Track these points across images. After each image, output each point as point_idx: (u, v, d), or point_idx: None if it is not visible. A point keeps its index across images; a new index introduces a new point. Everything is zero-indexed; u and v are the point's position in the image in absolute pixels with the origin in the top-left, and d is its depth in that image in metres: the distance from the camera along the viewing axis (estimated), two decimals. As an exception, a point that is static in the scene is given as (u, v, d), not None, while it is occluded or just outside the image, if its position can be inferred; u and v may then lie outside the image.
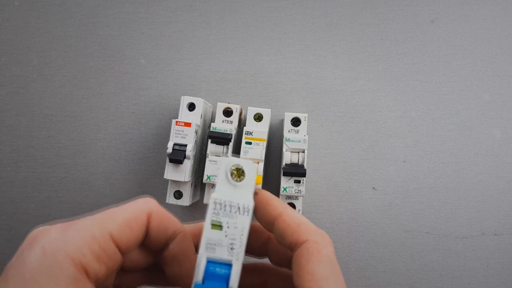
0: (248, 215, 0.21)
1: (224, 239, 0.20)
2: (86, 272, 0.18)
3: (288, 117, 0.36)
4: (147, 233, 0.22)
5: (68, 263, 0.18)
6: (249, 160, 0.24)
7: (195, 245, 0.23)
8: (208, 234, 0.20)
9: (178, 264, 0.22)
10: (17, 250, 0.20)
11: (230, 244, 0.20)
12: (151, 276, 0.24)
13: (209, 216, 0.20)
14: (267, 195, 0.23)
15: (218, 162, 0.22)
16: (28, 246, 0.19)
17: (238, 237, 0.20)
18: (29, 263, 0.18)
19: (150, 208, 0.22)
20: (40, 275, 0.17)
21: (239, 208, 0.21)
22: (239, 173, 0.23)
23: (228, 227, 0.20)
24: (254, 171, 0.23)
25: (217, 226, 0.20)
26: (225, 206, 0.21)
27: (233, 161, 0.22)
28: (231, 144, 0.35)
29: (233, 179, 0.22)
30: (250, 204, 0.21)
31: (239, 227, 0.20)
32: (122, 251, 0.20)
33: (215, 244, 0.20)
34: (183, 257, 0.22)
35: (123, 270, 0.23)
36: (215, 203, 0.21)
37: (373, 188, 0.40)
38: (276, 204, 0.22)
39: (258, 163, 0.34)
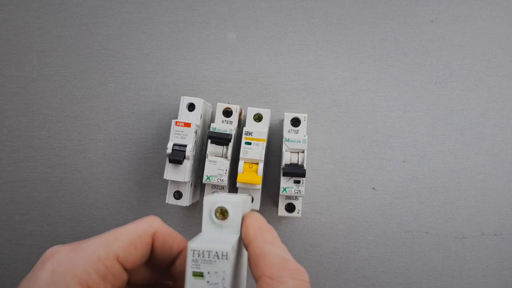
0: (226, 259, 0.20)
1: (206, 286, 0.20)
2: None
3: (287, 117, 0.36)
4: (152, 252, 0.23)
5: (75, 283, 0.19)
6: (232, 195, 0.24)
7: None
8: (190, 284, 0.20)
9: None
10: (32, 268, 0.21)
11: None
12: None
13: (189, 265, 0.20)
14: (248, 220, 0.23)
15: (204, 201, 0.22)
16: (40, 265, 0.20)
17: (220, 283, 0.20)
18: (40, 281, 0.19)
19: (154, 228, 0.22)
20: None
21: (217, 253, 0.21)
22: (222, 212, 0.23)
23: (208, 273, 0.20)
24: (239, 210, 0.23)
25: (198, 274, 0.20)
26: (203, 253, 0.21)
27: (216, 201, 0.22)
28: (230, 144, 0.35)
29: (217, 218, 0.22)
30: (228, 248, 0.21)
31: (219, 273, 0.20)
32: (128, 270, 0.21)
33: None
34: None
35: (130, 284, 0.23)
36: (192, 251, 0.21)
37: (373, 188, 0.40)
38: (250, 232, 0.22)
39: (258, 163, 0.34)
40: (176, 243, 0.23)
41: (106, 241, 0.21)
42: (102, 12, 0.41)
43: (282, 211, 0.37)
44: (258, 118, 0.36)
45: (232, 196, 0.24)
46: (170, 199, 0.36)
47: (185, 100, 0.36)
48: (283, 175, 0.34)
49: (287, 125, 0.36)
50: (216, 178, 0.34)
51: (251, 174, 0.33)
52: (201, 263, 0.21)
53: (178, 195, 0.36)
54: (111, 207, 0.41)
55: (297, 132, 0.36)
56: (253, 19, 0.41)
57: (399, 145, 0.41)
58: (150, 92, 0.41)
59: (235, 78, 0.41)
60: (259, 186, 0.34)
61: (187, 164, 0.34)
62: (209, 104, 0.40)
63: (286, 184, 0.34)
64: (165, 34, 0.41)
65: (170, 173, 0.34)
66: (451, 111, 0.41)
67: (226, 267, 0.20)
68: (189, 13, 0.41)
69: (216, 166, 0.34)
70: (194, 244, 0.21)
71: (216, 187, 0.36)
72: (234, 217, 0.23)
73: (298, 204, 0.37)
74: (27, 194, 0.41)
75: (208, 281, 0.20)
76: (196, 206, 0.41)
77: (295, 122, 0.36)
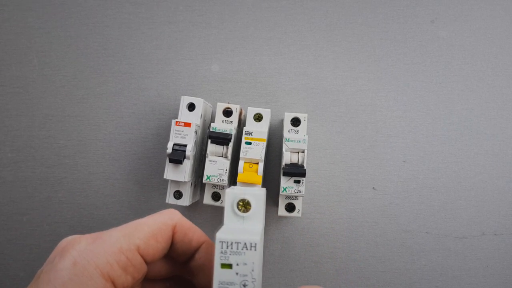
0: (255, 250, 0.21)
1: (235, 277, 0.20)
2: (114, 283, 0.19)
3: (288, 117, 0.36)
4: (172, 244, 0.22)
5: (97, 274, 0.19)
6: (254, 188, 0.24)
7: None
8: (219, 275, 0.20)
9: (206, 273, 0.23)
10: (48, 257, 0.21)
11: (242, 281, 0.20)
12: (173, 285, 0.25)
13: (217, 256, 0.20)
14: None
15: (226, 193, 0.22)
16: (60, 255, 0.20)
17: (249, 274, 0.20)
18: (61, 272, 0.19)
19: (175, 221, 0.22)
20: (71, 284, 0.18)
21: (245, 244, 0.21)
22: (245, 204, 0.23)
23: (237, 264, 0.20)
24: (261, 201, 0.23)
25: (226, 266, 0.20)
26: (231, 244, 0.21)
27: (238, 193, 0.23)
28: (231, 144, 0.35)
29: (239, 211, 0.23)
30: (256, 239, 0.21)
31: (248, 264, 0.20)
32: (148, 262, 0.21)
33: (227, 284, 0.20)
34: (210, 266, 0.23)
35: (146, 279, 0.23)
36: (221, 242, 0.21)
37: (373, 188, 0.40)
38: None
39: (258, 163, 0.34)
40: (196, 237, 0.23)
41: (128, 232, 0.20)
42: (102, 12, 0.41)
43: (282, 211, 0.37)
44: (258, 118, 0.36)
45: (252, 188, 0.24)
46: (170, 199, 0.36)
47: (185, 100, 0.36)
48: (283, 175, 0.34)
49: (287, 125, 0.36)
50: (216, 178, 0.34)
51: (251, 174, 0.33)
52: (230, 254, 0.20)
53: (178, 195, 0.36)
54: (111, 207, 0.41)
55: (297, 132, 0.36)
56: (253, 19, 0.41)
57: (399, 145, 0.41)
58: (150, 92, 0.41)
59: (235, 78, 0.41)
60: (259, 186, 0.34)
61: (187, 164, 0.34)
62: (209, 104, 0.40)
63: (286, 184, 0.34)
64: (165, 34, 0.41)
65: (170, 173, 0.34)
66: (451, 111, 0.41)
67: (255, 258, 0.20)
68: (189, 13, 0.41)
69: (216, 166, 0.34)
70: (223, 236, 0.21)
71: (216, 187, 0.36)
72: (257, 209, 0.23)
73: (298, 204, 0.37)
74: (27, 194, 0.41)
75: (237, 272, 0.20)
76: (197, 206, 0.41)
77: (295, 122, 0.36)
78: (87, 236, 0.21)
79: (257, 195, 0.23)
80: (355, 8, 0.41)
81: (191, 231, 0.23)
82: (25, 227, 0.41)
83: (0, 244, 0.40)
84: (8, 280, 0.40)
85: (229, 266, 0.20)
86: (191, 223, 0.23)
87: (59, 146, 0.41)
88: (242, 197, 0.23)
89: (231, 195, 0.23)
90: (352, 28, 0.41)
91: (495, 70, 0.41)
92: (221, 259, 0.20)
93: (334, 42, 0.41)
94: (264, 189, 0.25)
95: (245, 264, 0.20)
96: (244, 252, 0.20)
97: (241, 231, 0.22)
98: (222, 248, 0.20)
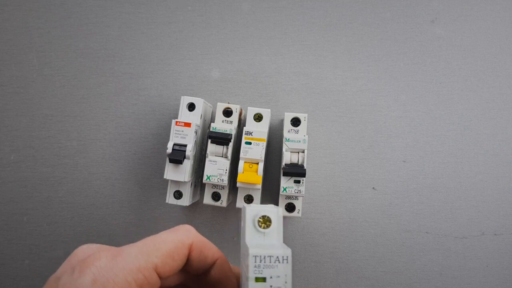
0: (287, 262, 0.22)
1: None
2: None
3: (288, 117, 0.36)
4: (187, 261, 0.23)
5: None
6: (270, 206, 0.25)
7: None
8: None
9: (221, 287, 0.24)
10: (64, 265, 0.21)
11: None
12: None
13: (251, 271, 0.21)
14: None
15: (243, 210, 0.23)
16: (79, 270, 0.20)
17: (283, 286, 0.21)
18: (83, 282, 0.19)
19: (191, 239, 0.23)
20: None
21: (278, 258, 0.22)
22: (265, 220, 0.24)
23: (271, 277, 0.21)
24: (280, 216, 0.24)
25: (260, 279, 0.22)
26: (264, 258, 0.22)
27: (259, 210, 0.24)
28: (231, 144, 0.35)
29: (260, 227, 0.24)
30: (288, 252, 0.22)
31: (281, 276, 0.21)
32: (162, 278, 0.22)
33: None
34: (225, 281, 0.24)
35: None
36: (254, 257, 0.22)
37: (373, 188, 0.40)
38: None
39: (258, 163, 0.34)
40: (211, 254, 0.24)
41: (146, 250, 0.21)
42: (102, 12, 0.41)
43: (282, 211, 0.37)
44: (258, 118, 0.36)
45: (269, 206, 0.25)
46: (170, 199, 0.36)
47: (185, 100, 0.36)
48: (283, 175, 0.34)
49: (287, 125, 0.36)
50: (216, 178, 0.34)
51: (251, 174, 0.33)
52: (263, 268, 0.22)
53: (178, 195, 0.36)
54: (111, 207, 0.41)
55: (297, 132, 0.36)
56: (253, 19, 0.41)
57: (399, 145, 0.41)
58: (150, 92, 0.41)
59: (235, 78, 0.41)
60: (259, 186, 0.34)
61: (187, 164, 0.34)
62: (209, 104, 0.40)
63: (286, 184, 0.34)
64: (165, 34, 0.41)
65: (170, 173, 0.34)
66: (451, 111, 0.41)
67: (287, 270, 0.21)
68: (189, 13, 0.41)
69: (216, 166, 0.34)
70: (256, 251, 0.22)
71: (216, 187, 0.36)
72: (276, 225, 0.24)
73: (298, 204, 0.37)
74: (27, 194, 0.41)
75: (271, 285, 0.21)
76: (197, 206, 0.41)
77: (295, 122, 0.36)
78: (106, 252, 0.21)
79: (276, 212, 0.24)
80: (355, 8, 0.41)
81: (207, 248, 0.23)
82: (25, 227, 0.41)
83: (0, 244, 0.41)
84: (8, 280, 0.40)
85: (263, 279, 0.21)
86: (206, 239, 0.24)
87: (59, 146, 0.41)
88: (263, 213, 0.24)
89: (251, 212, 0.24)
90: (352, 28, 0.41)
91: (495, 70, 0.41)
92: (255, 273, 0.21)
93: (334, 42, 0.41)
94: (281, 208, 0.27)
95: (278, 276, 0.21)
96: (277, 265, 0.22)
97: (269, 246, 0.23)
98: (255, 262, 0.22)
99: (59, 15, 0.41)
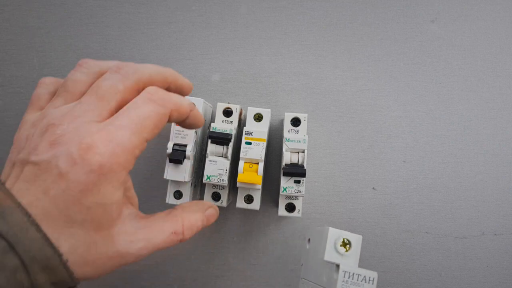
0: (373, 284, 0.24)
1: None
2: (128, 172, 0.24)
3: (288, 117, 0.36)
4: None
5: (121, 171, 0.23)
6: (352, 233, 0.27)
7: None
8: None
9: (194, 124, 0.28)
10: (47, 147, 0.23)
11: None
12: None
13: (340, 285, 0.24)
14: None
15: (325, 230, 0.27)
16: (82, 157, 0.22)
17: None
18: (90, 167, 0.21)
19: (169, 109, 0.25)
20: (102, 178, 0.22)
21: (365, 277, 0.24)
22: (345, 244, 0.26)
23: None
24: (360, 243, 0.26)
25: None
26: (353, 275, 0.24)
27: (342, 234, 0.26)
28: (231, 144, 0.35)
29: (341, 249, 0.26)
30: (375, 274, 0.24)
31: None
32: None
33: None
34: (197, 121, 0.28)
35: None
36: (344, 272, 0.24)
37: (373, 188, 0.40)
38: None
39: (258, 163, 0.34)
40: (186, 112, 0.26)
41: (136, 130, 0.23)
42: (102, 12, 0.41)
43: (282, 211, 0.37)
44: (258, 118, 0.36)
45: (351, 233, 0.27)
46: (170, 199, 0.36)
47: (185, 100, 0.35)
48: (283, 175, 0.34)
49: (287, 125, 0.36)
50: (216, 178, 0.34)
51: (251, 174, 0.33)
52: (351, 284, 0.24)
53: (178, 195, 0.36)
54: (111, 207, 0.40)
55: (297, 132, 0.36)
56: (253, 19, 0.41)
57: (399, 145, 0.41)
58: (150, 92, 0.41)
59: (235, 78, 0.41)
60: (260, 186, 0.34)
61: (187, 164, 0.34)
62: (209, 104, 0.40)
63: (286, 184, 0.34)
64: (165, 34, 0.41)
65: (170, 173, 0.34)
66: (451, 111, 0.41)
67: None
68: (189, 13, 0.41)
69: (216, 166, 0.34)
70: (346, 267, 0.24)
71: (216, 187, 0.36)
72: (355, 250, 0.26)
73: (298, 204, 0.37)
74: (27, 194, 0.41)
75: None
76: (196, 206, 0.41)
77: (295, 122, 0.36)
78: (99, 135, 0.23)
79: (357, 238, 0.26)
80: (355, 8, 0.41)
81: (183, 108, 0.26)
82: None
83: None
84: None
85: None
86: (180, 98, 0.26)
87: (59, 146, 0.41)
88: (345, 237, 0.26)
89: (334, 234, 0.26)
90: (352, 28, 0.41)
91: (495, 70, 0.41)
92: (342, 286, 0.24)
93: (334, 42, 0.41)
94: (361, 236, 0.29)
95: None
96: (363, 285, 0.24)
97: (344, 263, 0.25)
98: (344, 277, 0.24)
99: (59, 15, 0.41)
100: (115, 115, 0.24)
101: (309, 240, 0.33)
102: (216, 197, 0.36)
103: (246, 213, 0.41)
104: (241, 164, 0.34)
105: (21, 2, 0.41)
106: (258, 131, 0.34)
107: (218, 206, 0.37)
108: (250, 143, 0.34)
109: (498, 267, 0.40)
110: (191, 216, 0.28)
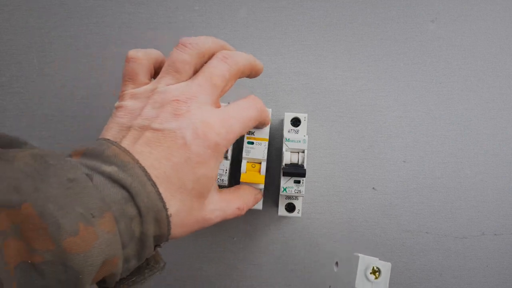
0: None
1: None
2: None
3: (288, 117, 0.36)
4: None
5: (224, 151, 0.26)
6: (381, 261, 0.28)
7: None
8: None
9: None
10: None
11: None
12: None
13: None
14: None
15: (360, 258, 0.28)
16: (203, 134, 0.25)
17: None
18: (209, 142, 0.25)
19: (260, 117, 0.30)
20: (213, 155, 0.25)
21: None
22: (374, 272, 0.27)
23: None
24: (389, 270, 0.27)
25: None
26: None
27: (372, 261, 0.27)
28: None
29: (370, 277, 0.27)
30: None
31: None
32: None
33: None
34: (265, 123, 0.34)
35: None
36: None
37: (373, 188, 0.40)
38: None
39: (261, 163, 0.34)
40: (267, 121, 0.34)
41: (243, 125, 0.28)
42: (102, 12, 0.41)
43: (282, 211, 0.37)
44: (258, 118, 0.36)
45: (380, 261, 0.28)
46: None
47: (186, 100, 0.35)
48: (283, 175, 0.34)
49: (287, 125, 0.36)
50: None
51: (254, 173, 0.33)
52: None
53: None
54: (111, 207, 0.40)
55: (297, 132, 0.36)
56: (253, 19, 0.41)
57: (399, 145, 0.41)
58: (150, 92, 0.41)
59: (235, 78, 0.41)
60: (262, 186, 0.34)
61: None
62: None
63: (286, 184, 0.34)
64: (165, 34, 0.41)
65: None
66: (451, 111, 0.41)
67: None
68: (189, 13, 0.41)
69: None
70: None
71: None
72: (384, 278, 0.27)
73: (298, 204, 0.37)
74: (27, 194, 0.41)
75: None
76: (196, 206, 0.41)
77: (295, 122, 0.36)
78: (216, 118, 0.26)
79: (386, 266, 0.27)
80: (355, 8, 0.41)
81: (265, 118, 0.32)
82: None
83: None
84: (8, 280, 0.40)
85: None
86: (266, 110, 0.32)
87: (59, 146, 0.41)
88: (374, 265, 0.27)
89: (365, 261, 0.27)
90: (352, 28, 0.41)
91: (495, 70, 0.41)
92: None
93: (334, 42, 0.41)
94: (390, 264, 0.29)
95: None
96: None
97: None
98: None
99: (59, 15, 0.41)
100: (226, 106, 0.27)
101: (336, 263, 0.34)
102: (216, 197, 0.36)
103: (246, 213, 0.41)
104: (243, 164, 0.34)
105: (21, 2, 0.41)
106: (260, 131, 0.34)
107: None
108: (252, 143, 0.34)
109: (498, 267, 0.40)
110: (248, 197, 0.32)
